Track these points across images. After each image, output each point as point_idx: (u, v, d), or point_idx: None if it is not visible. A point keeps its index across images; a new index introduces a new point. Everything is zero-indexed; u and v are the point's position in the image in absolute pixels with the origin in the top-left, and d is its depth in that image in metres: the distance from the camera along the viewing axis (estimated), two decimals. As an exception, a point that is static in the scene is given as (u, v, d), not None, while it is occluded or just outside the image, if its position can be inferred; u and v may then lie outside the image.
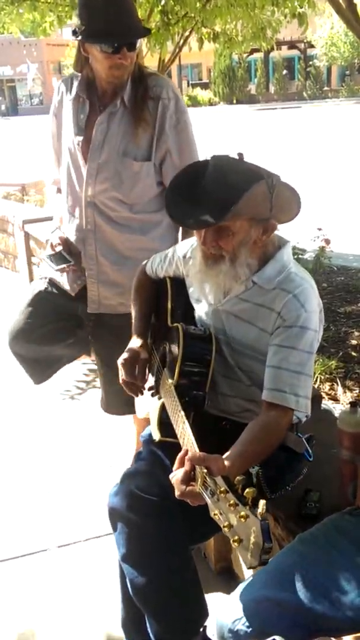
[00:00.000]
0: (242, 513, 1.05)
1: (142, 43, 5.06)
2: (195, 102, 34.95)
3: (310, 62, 37.84)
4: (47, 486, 2.82)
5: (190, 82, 42.64)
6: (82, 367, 4.04)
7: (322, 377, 3.24)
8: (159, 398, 1.78)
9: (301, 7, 5.11)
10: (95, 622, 2.10)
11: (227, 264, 1.58)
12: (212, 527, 1.73)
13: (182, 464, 1.32)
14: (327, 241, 4.98)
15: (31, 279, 5.90)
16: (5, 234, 6.53)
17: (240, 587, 1.38)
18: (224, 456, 1.34)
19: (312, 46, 35.83)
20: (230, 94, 39.39)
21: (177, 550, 1.63)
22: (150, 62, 4.57)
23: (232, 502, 1.09)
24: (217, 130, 18.60)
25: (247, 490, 1.07)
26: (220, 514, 1.12)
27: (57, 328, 2.47)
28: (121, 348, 1.92)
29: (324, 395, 3.06)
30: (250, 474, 1.56)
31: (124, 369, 1.84)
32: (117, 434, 3.15)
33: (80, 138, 2.28)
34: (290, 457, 1.73)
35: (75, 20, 5.19)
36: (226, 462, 1.30)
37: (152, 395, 1.87)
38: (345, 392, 3.13)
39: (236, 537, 1.07)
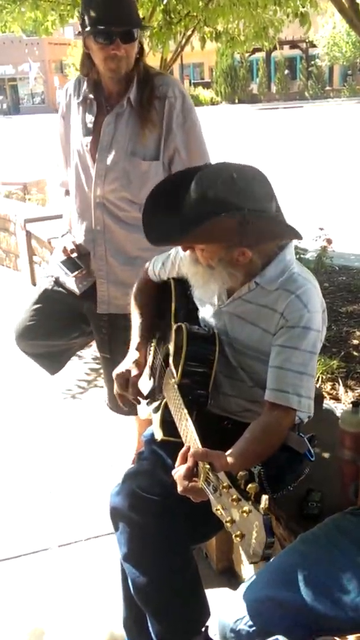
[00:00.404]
0: (245, 508, 1.05)
1: (144, 42, 5.07)
2: (197, 102, 34.88)
3: (312, 62, 37.82)
4: (48, 485, 2.82)
5: (192, 81, 42.57)
6: (84, 366, 4.04)
7: (324, 377, 3.23)
8: (162, 398, 1.78)
9: (303, 7, 5.10)
10: (97, 621, 2.10)
11: (206, 271, 1.59)
12: (213, 527, 1.74)
13: (184, 460, 1.33)
14: (329, 241, 4.98)
15: (33, 278, 5.90)
16: (7, 233, 6.53)
17: (243, 587, 1.38)
18: (226, 454, 1.34)
19: (314, 46, 35.79)
20: (232, 93, 39.38)
21: (178, 550, 1.63)
22: (153, 61, 4.55)
23: (234, 497, 1.09)
24: (219, 130, 18.59)
25: (249, 485, 1.08)
26: (223, 509, 1.12)
27: (62, 325, 2.50)
28: None
29: (325, 395, 3.06)
30: (252, 473, 1.56)
31: (117, 383, 1.84)
32: (118, 434, 3.15)
33: (89, 139, 2.30)
34: (292, 457, 1.72)
35: (77, 20, 5.20)
36: (229, 460, 1.30)
37: (148, 404, 1.87)
38: (346, 391, 3.13)
39: (238, 533, 1.07)
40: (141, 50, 2.26)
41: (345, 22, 3.86)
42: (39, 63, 45.52)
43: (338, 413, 2.46)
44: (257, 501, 1.05)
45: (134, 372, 1.84)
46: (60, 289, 2.47)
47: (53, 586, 2.26)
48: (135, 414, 2.25)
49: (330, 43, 33.71)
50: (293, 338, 1.56)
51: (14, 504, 2.71)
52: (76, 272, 2.36)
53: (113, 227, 2.33)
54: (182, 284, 1.90)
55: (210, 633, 1.71)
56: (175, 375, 1.68)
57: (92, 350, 4.24)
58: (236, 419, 1.73)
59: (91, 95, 2.30)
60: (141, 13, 5.00)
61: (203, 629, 1.68)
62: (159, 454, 1.76)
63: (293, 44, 36.34)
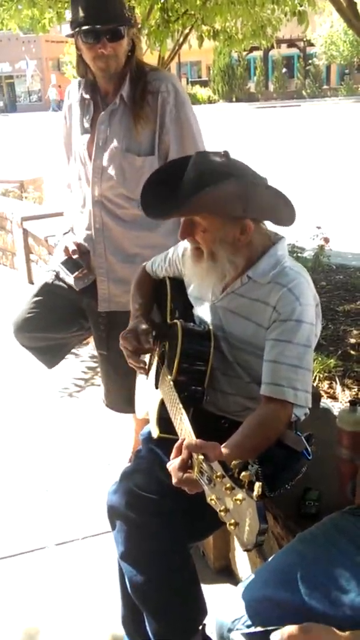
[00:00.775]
0: (238, 496, 1.06)
1: (141, 39, 5.07)
2: (194, 100, 34.84)
3: (310, 61, 37.82)
4: (45, 484, 2.82)
5: (190, 79, 42.58)
6: (81, 364, 4.04)
7: (321, 376, 3.24)
8: (158, 395, 1.78)
9: (301, 6, 5.11)
10: (95, 620, 2.10)
11: (207, 261, 1.61)
12: (211, 525, 1.75)
13: (179, 453, 1.32)
14: (326, 240, 4.99)
15: (29, 277, 5.89)
16: (4, 231, 6.51)
17: (240, 587, 1.38)
18: (222, 446, 1.33)
19: (311, 44, 35.79)
20: (230, 92, 39.35)
21: (176, 549, 1.63)
22: (150, 59, 4.56)
23: (228, 485, 1.09)
24: (216, 128, 18.58)
25: (243, 473, 1.08)
26: (217, 499, 1.12)
27: (62, 318, 2.51)
28: None
29: (322, 393, 3.06)
30: (246, 463, 1.56)
31: (126, 342, 1.82)
32: (115, 432, 3.15)
33: (86, 138, 2.32)
34: (289, 455, 1.72)
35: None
36: (223, 451, 1.29)
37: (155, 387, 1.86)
38: (344, 390, 3.13)
39: (232, 521, 1.07)
40: (133, 47, 2.26)
41: (343, 21, 3.87)
42: (36, 61, 45.46)
43: (335, 412, 2.46)
44: (250, 489, 1.05)
45: (142, 325, 1.85)
46: (61, 283, 2.48)
47: (50, 585, 2.26)
48: (133, 411, 2.25)
49: (328, 42, 33.71)
50: (286, 331, 1.56)
51: (10, 502, 2.71)
52: (77, 272, 2.38)
53: (111, 225, 2.34)
54: (177, 282, 1.93)
55: (208, 632, 1.71)
56: (170, 372, 1.68)
57: (89, 349, 4.24)
58: (234, 418, 1.73)
59: (87, 95, 2.33)
60: (139, 11, 5.00)
61: (200, 628, 1.68)
62: (156, 452, 1.76)
63: (291, 43, 36.32)
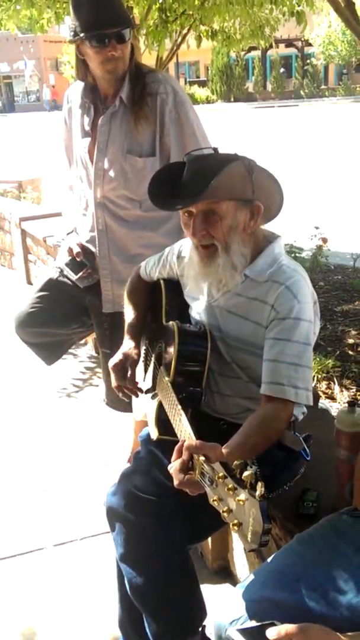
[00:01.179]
0: (241, 497, 1.05)
1: (140, 40, 5.07)
2: (192, 100, 34.20)
3: (308, 61, 37.84)
4: (44, 484, 2.82)
5: (188, 79, 42.60)
6: (79, 364, 4.03)
7: (319, 376, 3.24)
8: (154, 397, 1.78)
9: (299, 5, 5.11)
10: (93, 621, 2.10)
11: (222, 255, 1.60)
12: (209, 526, 1.75)
13: (180, 455, 1.32)
14: (324, 240, 4.98)
15: (28, 277, 5.89)
16: (2, 231, 6.51)
17: (239, 588, 1.38)
18: (223, 447, 1.33)
19: (309, 44, 35.81)
20: (228, 91, 39.36)
21: (175, 550, 1.62)
22: (148, 59, 4.56)
23: (230, 486, 1.09)
24: (214, 128, 18.59)
25: (245, 473, 1.07)
26: (220, 500, 1.12)
27: (65, 314, 2.53)
28: None
29: (321, 394, 3.07)
30: (247, 463, 1.56)
31: (114, 373, 1.85)
32: (114, 433, 3.15)
33: (87, 141, 2.34)
34: (288, 456, 1.72)
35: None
36: (224, 451, 1.29)
37: (148, 393, 1.87)
38: (342, 391, 3.13)
39: (235, 521, 1.07)
40: (132, 48, 2.27)
41: (341, 20, 3.87)
42: (34, 61, 45.45)
43: (333, 412, 2.46)
44: (253, 488, 1.05)
45: (131, 359, 1.86)
46: (65, 279, 2.49)
47: (48, 586, 2.26)
48: (132, 410, 2.25)
49: (326, 42, 33.75)
50: (285, 330, 1.56)
51: (8, 502, 2.70)
52: (81, 273, 2.39)
53: (114, 227, 2.36)
54: (172, 284, 1.92)
55: (207, 633, 1.71)
56: (168, 373, 1.68)
57: (87, 349, 4.24)
58: (233, 421, 1.73)
59: (87, 99, 2.34)
60: (137, 11, 5.00)
61: (199, 629, 1.68)
62: (155, 453, 1.75)
63: (289, 43, 36.35)
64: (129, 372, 1.85)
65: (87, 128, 2.34)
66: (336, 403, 3.03)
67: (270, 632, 1.04)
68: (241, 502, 1.05)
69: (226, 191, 1.55)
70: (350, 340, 3.70)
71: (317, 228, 5.06)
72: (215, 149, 1.64)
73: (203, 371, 1.70)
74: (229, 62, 38.77)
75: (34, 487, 2.80)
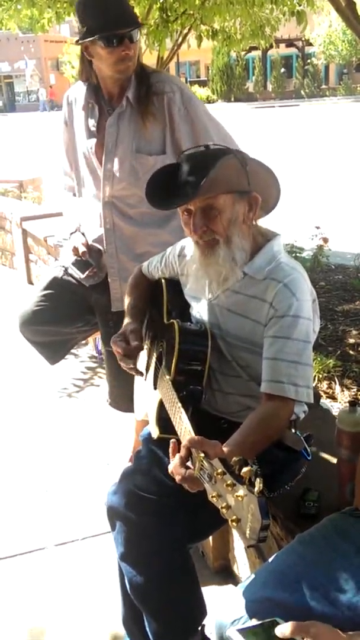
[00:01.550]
0: (240, 493, 1.05)
1: (141, 40, 5.06)
2: (193, 100, 34.78)
3: (308, 60, 37.83)
4: (45, 484, 2.82)
5: (188, 79, 42.57)
6: (80, 364, 4.03)
7: (320, 376, 3.24)
8: (155, 396, 1.78)
9: (300, 5, 5.10)
10: (95, 620, 2.10)
11: (223, 247, 1.60)
12: (210, 526, 1.75)
13: (177, 451, 1.33)
14: (325, 240, 4.99)
15: (29, 277, 5.89)
16: (3, 231, 6.51)
17: (240, 587, 1.38)
18: (223, 445, 1.33)
19: (310, 44, 35.80)
20: (228, 91, 39.36)
21: (175, 549, 1.62)
22: (149, 59, 4.56)
23: (229, 482, 1.09)
24: (215, 128, 18.57)
25: (244, 470, 1.07)
26: (219, 496, 1.12)
27: (70, 313, 2.53)
28: None
29: (322, 394, 3.07)
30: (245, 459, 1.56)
31: (116, 346, 1.82)
32: (114, 432, 3.15)
33: (93, 142, 2.34)
34: (289, 456, 1.72)
35: (73, 16, 5.18)
36: (225, 449, 1.29)
37: (149, 391, 1.87)
38: (343, 390, 3.13)
39: (234, 517, 1.07)
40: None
41: (341, 20, 3.87)
42: (34, 60, 45.45)
43: (334, 412, 2.46)
44: (251, 484, 1.05)
45: (131, 326, 1.86)
46: (70, 278, 2.50)
47: (50, 586, 2.26)
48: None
49: (327, 41, 33.73)
50: (284, 328, 1.56)
51: (9, 502, 2.71)
52: (87, 272, 2.40)
53: (122, 225, 2.37)
54: (173, 283, 1.93)
55: (207, 632, 1.71)
56: (169, 371, 1.68)
57: (88, 349, 4.24)
58: (233, 419, 1.73)
59: (91, 99, 2.34)
60: (138, 11, 4.99)
61: (200, 628, 1.68)
62: (156, 452, 1.76)
63: (289, 43, 36.32)
64: (132, 338, 1.83)
65: (93, 129, 2.35)
66: (337, 403, 3.03)
67: (280, 629, 1.04)
68: (240, 498, 1.05)
69: (222, 185, 1.56)
70: (351, 340, 3.70)
71: (318, 228, 5.06)
72: (206, 145, 1.65)
73: (204, 369, 1.70)
74: (230, 62, 38.76)
75: (35, 487, 2.80)
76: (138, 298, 2.02)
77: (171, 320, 1.77)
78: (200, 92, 38.21)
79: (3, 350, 4.16)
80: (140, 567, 1.62)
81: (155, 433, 1.71)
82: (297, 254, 4.78)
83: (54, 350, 2.68)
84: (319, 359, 3.30)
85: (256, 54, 37.06)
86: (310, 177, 10.88)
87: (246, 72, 40.26)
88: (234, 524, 1.07)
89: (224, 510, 1.09)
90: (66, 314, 2.53)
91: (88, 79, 2.34)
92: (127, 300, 2.04)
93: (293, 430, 1.74)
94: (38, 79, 45.66)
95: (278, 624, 1.07)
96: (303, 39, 34.47)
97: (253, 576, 1.39)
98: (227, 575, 2.26)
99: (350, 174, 10.79)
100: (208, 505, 1.52)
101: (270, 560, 1.42)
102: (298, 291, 1.58)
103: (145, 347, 2.02)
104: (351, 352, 3.54)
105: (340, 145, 14.89)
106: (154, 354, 1.91)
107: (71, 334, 2.67)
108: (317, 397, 2.54)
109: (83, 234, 2.46)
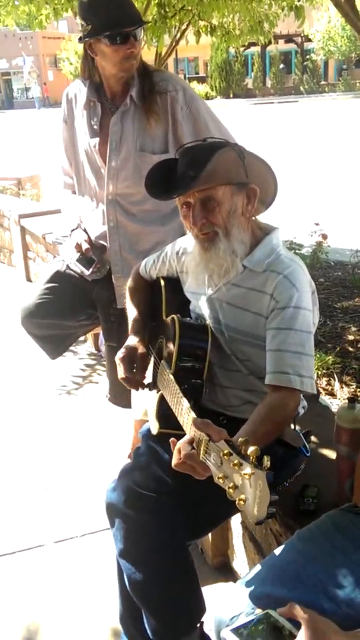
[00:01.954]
0: (247, 471, 1.06)
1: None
2: (191, 96, 34.70)
3: (308, 56, 37.73)
4: (44, 481, 2.82)
5: (187, 76, 42.50)
6: (79, 362, 4.03)
7: (319, 373, 3.23)
8: (157, 391, 1.78)
9: (298, 1, 5.09)
10: (93, 617, 2.10)
11: (222, 240, 1.61)
12: (209, 523, 1.75)
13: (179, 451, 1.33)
14: (324, 236, 4.98)
15: (27, 274, 5.89)
16: (1, 228, 6.50)
17: (239, 583, 1.38)
18: (235, 436, 1.33)
19: (309, 40, 35.72)
20: (227, 88, 39.27)
21: (174, 546, 1.62)
22: (147, 55, 4.53)
23: (236, 462, 1.10)
24: (213, 125, 18.53)
25: (250, 449, 1.08)
26: (225, 477, 1.13)
27: (72, 306, 2.54)
28: None
29: (321, 390, 3.06)
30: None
31: (123, 365, 1.84)
32: (113, 429, 3.15)
33: (96, 140, 2.34)
34: (288, 452, 1.72)
35: (71, 13, 5.18)
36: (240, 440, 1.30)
37: (150, 389, 1.87)
38: (342, 387, 3.13)
39: (241, 497, 1.08)
40: None
41: (340, 16, 3.85)
42: (32, 57, 45.29)
43: (334, 409, 2.46)
44: (259, 462, 1.06)
45: (140, 350, 1.86)
46: (72, 272, 2.50)
47: (49, 582, 2.26)
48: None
49: (326, 37, 33.67)
50: (286, 319, 1.57)
51: (9, 500, 2.71)
52: (92, 268, 2.41)
53: (126, 223, 2.38)
54: (172, 282, 1.94)
55: (206, 629, 1.71)
56: (170, 365, 1.68)
57: (87, 346, 4.23)
58: (233, 415, 1.73)
59: (93, 98, 2.34)
60: (136, 7, 4.97)
61: (198, 625, 1.68)
62: (155, 449, 1.75)
63: (288, 38, 36.22)
64: (137, 364, 1.85)
65: (95, 127, 2.35)
66: (336, 399, 3.03)
67: (282, 610, 1.05)
68: (247, 476, 1.06)
69: (221, 176, 1.57)
70: (351, 337, 3.70)
71: (317, 224, 5.05)
72: (204, 139, 1.67)
73: (204, 363, 1.71)
74: (228, 58, 38.66)
75: (34, 484, 2.80)
76: (139, 304, 2.02)
77: (171, 316, 1.77)
78: (199, 88, 38.17)
79: (2, 348, 4.16)
80: (139, 564, 1.62)
81: (155, 428, 1.71)
82: (296, 251, 4.77)
83: (56, 345, 2.69)
84: (318, 355, 3.30)
85: (255, 50, 36.97)
86: (309, 173, 10.87)
87: (245, 68, 40.16)
88: (242, 502, 1.08)
89: (230, 491, 1.10)
90: (69, 307, 2.54)
91: (90, 76, 2.33)
92: (129, 309, 2.04)
93: (292, 427, 1.74)
94: (36, 75, 45.53)
95: (271, 616, 1.07)
96: (302, 34, 34.40)
97: (252, 572, 1.39)
98: (226, 572, 2.26)
99: (350, 170, 10.78)
100: (207, 502, 1.51)
101: (269, 556, 1.42)
102: (298, 282, 1.59)
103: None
104: (350, 348, 3.54)
105: (340, 141, 14.87)
106: (153, 351, 1.91)
107: (73, 327, 2.67)
108: (317, 394, 2.54)
109: (84, 230, 2.46)
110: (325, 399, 2.85)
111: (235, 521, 2.16)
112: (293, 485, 1.77)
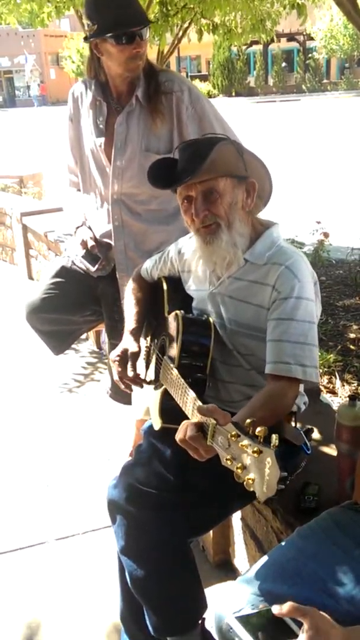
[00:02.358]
0: (255, 448, 1.08)
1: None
2: (194, 95, 34.68)
3: (310, 55, 37.68)
4: (45, 479, 2.83)
5: (189, 74, 42.45)
6: (81, 359, 4.04)
7: (321, 371, 3.24)
8: (157, 388, 1.78)
9: (300, -1, 5.08)
10: (94, 614, 2.10)
11: (225, 231, 1.63)
12: (211, 520, 1.75)
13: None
14: (326, 234, 4.97)
15: (29, 272, 5.89)
16: (3, 226, 6.51)
17: (240, 580, 1.39)
18: (232, 418, 1.33)
19: (311, 38, 35.68)
20: (229, 86, 39.22)
21: (176, 543, 1.63)
22: (149, 54, 4.53)
23: (244, 443, 1.12)
24: (215, 123, 18.49)
25: (258, 429, 1.10)
26: (233, 459, 1.15)
27: (76, 301, 2.55)
28: None
29: (322, 388, 3.07)
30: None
31: (117, 365, 1.85)
32: (115, 427, 3.15)
33: (102, 140, 2.35)
34: (289, 450, 1.72)
35: (73, 12, 5.17)
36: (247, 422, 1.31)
37: (153, 386, 1.87)
38: (343, 385, 3.13)
39: (249, 476, 1.10)
40: None
41: (342, 14, 3.85)
42: (34, 55, 45.26)
43: (335, 406, 2.47)
44: (267, 441, 1.08)
45: (132, 349, 1.87)
46: (77, 268, 2.51)
47: (50, 579, 2.27)
48: None
49: (328, 36, 33.62)
50: (287, 309, 1.57)
51: (10, 497, 2.71)
52: (97, 265, 2.42)
53: (131, 222, 2.39)
54: (173, 281, 1.95)
55: (207, 625, 1.72)
56: (173, 360, 1.69)
57: (88, 344, 4.24)
58: (235, 410, 1.73)
59: (99, 97, 2.34)
60: (138, 5, 4.96)
61: (200, 622, 1.68)
62: (157, 446, 1.76)
63: (290, 37, 36.20)
64: (130, 364, 1.87)
65: (101, 126, 2.35)
66: (337, 397, 3.03)
67: (276, 608, 1.05)
68: (255, 455, 1.08)
69: (222, 167, 1.60)
70: (352, 335, 3.70)
71: (318, 223, 5.05)
72: (203, 135, 1.71)
73: (207, 358, 1.71)
74: (231, 56, 38.62)
75: (35, 481, 2.81)
76: (138, 304, 2.03)
77: (174, 312, 1.78)
78: (201, 86, 38.09)
79: (4, 345, 4.16)
80: (140, 561, 1.62)
81: (157, 424, 1.71)
82: (298, 249, 4.77)
83: (60, 340, 2.70)
84: (319, 353, 3.30)
85: (257, 48, 36.90)
86: (311, 172, 10.86)
87: (247, 66, 40.10)
88: (250, 481, 1.10)
89: (238, 471, 1.12)
90: (74, 302, 2.55)
91: (96, 76, 2.34)
92: (127, 308, 2.04)
93: (293, 425, 1.74)
94: (38, 73, 45.50)
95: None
96: (304, 33, 34.37)
97: (253, 569, 1.39)
98: (227, 569, 2.26)
99: (351, 168, 10.76)
100: (209, 499, 1.52)
101: (270, 553, 1.42)
102: (300, 273, 1.60)
103: (145, 344, 2.02)
104: (352, 347, 3.54)
105: (341, 140, 14.85)
106: (156, 349, 1.91)
107: (78, 323, 2.68)
108: (318, 391, 2.54)
109: (90, 227, 2.47)
110: (326, 396, 2.85)
111: (237, 518, 2.16)
112: (294, 483, 1.77)
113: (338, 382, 3.15)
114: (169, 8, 5.11)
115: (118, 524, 1.67)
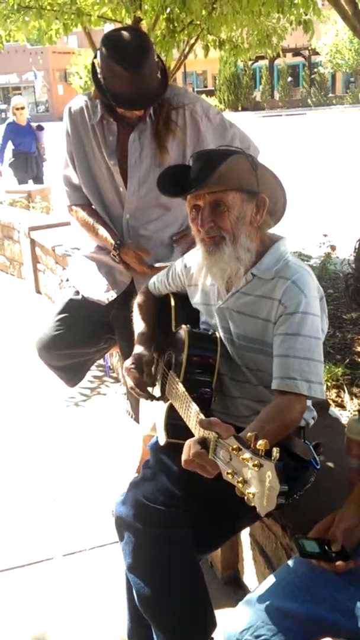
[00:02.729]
0: (256, 462, 1.07)
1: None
2: (200, 109, 34.97)
3: (315, 69, 37.95)
4: (52, 494, 2.81)
5: (196, 89, 42.78)
6: (87, 374, 4.02)
7: (329, 384, 3.21)
8: (166, 402, 1.78)
9: (306, 15, 5.12)
10: (102, 632, 2.08)
11: (229, 245, 1.62)
12: (219, 537, 1.73)
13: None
14: (333, 247, 4.97)
15: (37, 286, 5.91)
16: (11, 241, 6.54)
17: (249, 597, 1.37)
18: (241, 433, 1.32)
19: (316, 53, 35.93)
20: (236, 101, 39.50)
21: (184, 561, 1.61)
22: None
23: (245, 456, 1.11)
24: (222, 137, 18.60)
25: (259, 442, 1.09)
26: (234, 473, 1.14)
27: (89, 334, 2.52)
28: None
29: (330, 402, 3.04)
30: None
31: (130, 375, 1.84)
32: (122, 442, 3.14)
33: (115, 157, 2.35)
34: (297, 465, 1.71)
35: (80, 29, 5.21)
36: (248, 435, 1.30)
37: (162, 400, 1.86)
38: (352, 399, 3.11)
39: (250, 491, 1.09)
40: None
41: (348, 29, 3.88)
42: (43, 72, 45.78)
43: (343, 420, 2.44)
44: (268, 455, 1.08)
45: (147, 357, 1.87)
46: (82, 298, 2.49)
47: (58, 596, 2.25)
48: None
49: (333, 50, 33.84)
50: (294, 324, 1.57)
51: (18, 512, 2.70)
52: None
53: (146, 236, 2.40)
54: (181, 297, 1.95)
55: (216, 644, 1.69)
56: (179, 375, 1.69)
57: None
58: (243, 425, 1.72)
59: (109, 116, 2.33)
60: (145, 22, 5.02)
61: (209, 640, 1.66)
62: (164, 461, 1.75)
63: (296, 52, 36.51)
64: (145, 371, 1.85)
65: (112, 145, 2.35)
66: (346, 411, 3.01)
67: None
68: (256, 468, 1.07)
69: (232, 180, 1.59)
70: (359, 348, 3.68)
71: (325, 236, 5.04)
72: (218, 147, 1.71)
73: (213, 372, 1.71)
74: (237, 71, 38.94)
75: (42, 496, 2.80)
76: (146, 316, 2.03)
77: (181, 326, 1.77)
78: (208, 101, 38.44)
79: (11, 360, 4.17)
80: (148, 578, 1.60)
81: (163, 439, 1.70)
82: (305, 262, 4.76)
83: (74, 373, 2.68)
84: (327, 367, 3.28)
85: (263, 63, 37.24)
86: (317, 185, 10.89)
87: (253, 81, 40.42)
88: (251, 496, 1.09)
89: (239, 485, 1.11)
90: (88, 335, 2.52)
91: (101, 98, 2.31)
92: (136, 323, 2.04)
93: (302, 439, 1.73)
94: (46, 90, 45.97)
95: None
96: (310, 48, 34.62)
97: (262, 586, 1.37)
98: (236, 586, 2.24)
99: (358, 181, 10.77)
100: (217, 516, 1.50)
101: (279, 570, 1.40)
102: (306, 288, 1.60)
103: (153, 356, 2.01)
104: (359, 360, 3.52)
105: (348, 153, 14.89)
106: (162, 363, 1.91)
107: (91, 353, 2.66)
108: (326, 405, 2.52)
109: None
110: (335, 410, 2.83)
111: (245, 534, 2.14)
112: (303, 498, 1.75)
113: (346, 396, 3.13)
114: (176, 24, 5.16)
115: (125, 541, 1.65)
